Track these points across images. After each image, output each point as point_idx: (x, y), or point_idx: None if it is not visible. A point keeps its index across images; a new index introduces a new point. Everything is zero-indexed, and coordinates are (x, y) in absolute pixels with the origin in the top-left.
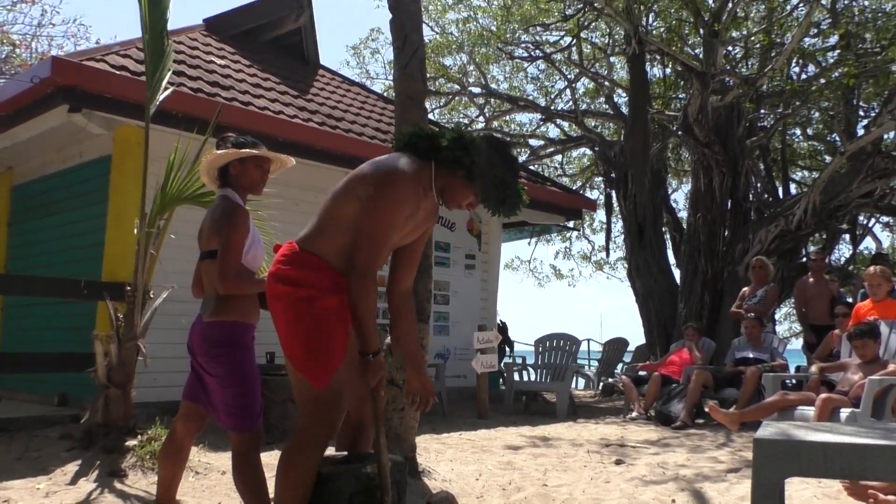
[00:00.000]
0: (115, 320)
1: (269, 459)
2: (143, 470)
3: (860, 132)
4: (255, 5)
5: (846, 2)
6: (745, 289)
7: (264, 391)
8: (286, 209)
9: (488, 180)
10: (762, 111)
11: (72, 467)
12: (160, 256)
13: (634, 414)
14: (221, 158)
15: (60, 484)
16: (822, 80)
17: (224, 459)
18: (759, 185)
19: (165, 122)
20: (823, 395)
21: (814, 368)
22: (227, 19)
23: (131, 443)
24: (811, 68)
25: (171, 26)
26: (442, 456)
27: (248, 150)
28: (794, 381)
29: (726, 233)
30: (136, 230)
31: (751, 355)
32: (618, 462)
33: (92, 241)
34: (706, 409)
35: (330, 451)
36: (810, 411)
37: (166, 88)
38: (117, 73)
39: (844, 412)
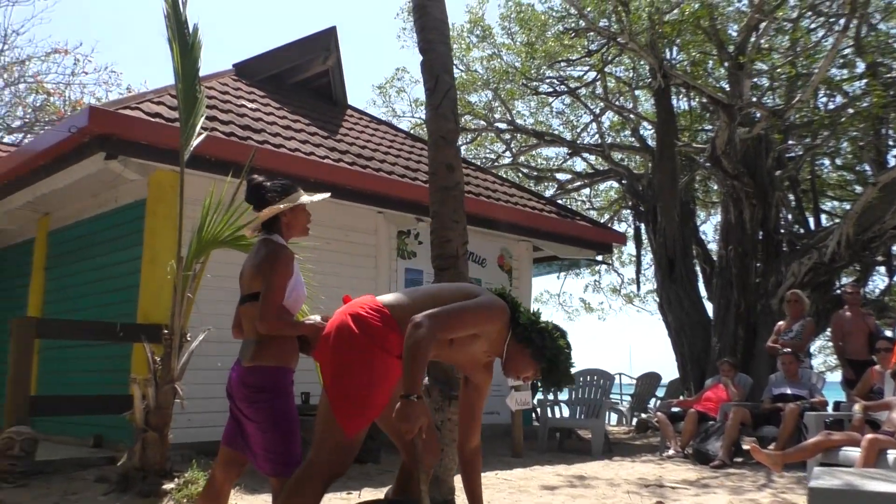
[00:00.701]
0: (152, 363)
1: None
2: None
3: (891, 161)
4: (284, 49)
5: (870, 32)
6: (780, 323)
7: (301, 432)
8: (320, 249)
9: (555, 366)
10: (790, 142)
11: None
12: (196, 299)
13: (671, 452)
14: (273, 211)
15: None
16: (851, 110)
17: (260, 502)
18: (789, 216)
19: (199, 166)
20: (870, 436)
21: (857, 407)
22: (257, 64)
23: (168, 486)
24: (839, 98)
25: (201, 72)
26: None
27: (301, 199)
28: (831, 419)
29: (758, 265)
30: (170, 273)
31: (789, 391)
32: None
33: (127, 283)
34: (744, 447)
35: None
36: (855, 453)
37: (199, 134)
38: (152, 120)
39: (892, 454)
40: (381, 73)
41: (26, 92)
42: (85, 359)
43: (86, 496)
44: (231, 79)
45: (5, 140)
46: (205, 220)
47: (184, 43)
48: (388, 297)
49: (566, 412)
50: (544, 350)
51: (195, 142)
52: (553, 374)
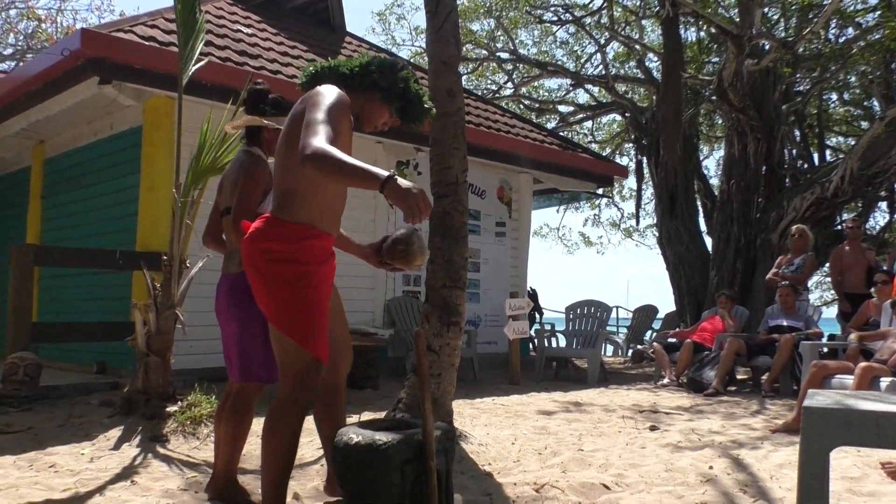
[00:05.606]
0: (152, 290)
1: (309, 424)
2: (185, 435)
3: None
4: None
5: None
6: (781, 256)
7: None
8: None
9: (408, 100)
10: (798, 75)
11: (114, 433)
12: (194, 226)
13: (666, 381)
14: (256, 122)
15: (104, 449)
16: (862, 43)
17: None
18: (794, 151)
19: (195, 92)
20: (863, 364)
21: (853, 337)
22: None
23: (171, 409)
24: (850, 30)
25: None
26: (477, 421)
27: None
28: (826, 350)
29: (760, 200)
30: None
31: (785, 323)
32: (652, 428)
33: (125, 212)
34: (738, 377)
35: (365, 416)
36: (848, 380)
37: (199, 59)
38: (146, 43)
39: (884, 381)
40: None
41: (17, 18)
42: (84, 287)
43: (91, 419)
44: (227, 3)
45: None
46: (202, 147)
47: None
48: (269, 206)
49: (563, 342)
50: (392, 87)
51: (194, 67)
52: (411, 109)
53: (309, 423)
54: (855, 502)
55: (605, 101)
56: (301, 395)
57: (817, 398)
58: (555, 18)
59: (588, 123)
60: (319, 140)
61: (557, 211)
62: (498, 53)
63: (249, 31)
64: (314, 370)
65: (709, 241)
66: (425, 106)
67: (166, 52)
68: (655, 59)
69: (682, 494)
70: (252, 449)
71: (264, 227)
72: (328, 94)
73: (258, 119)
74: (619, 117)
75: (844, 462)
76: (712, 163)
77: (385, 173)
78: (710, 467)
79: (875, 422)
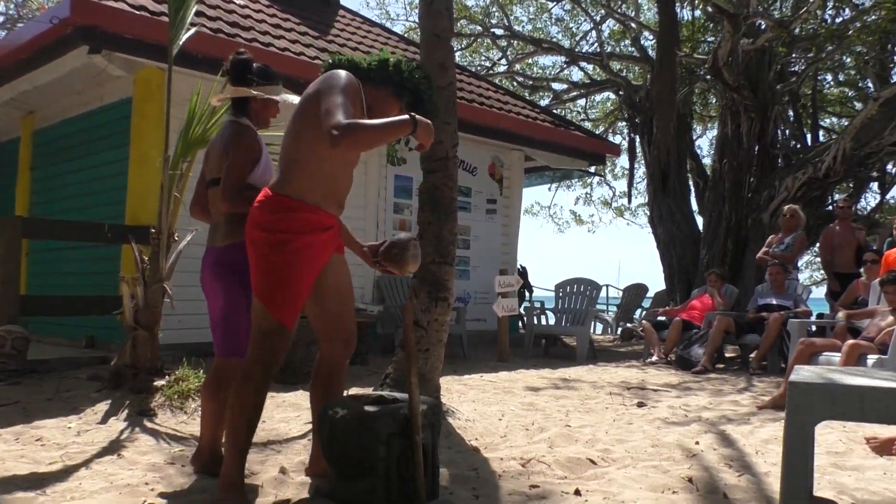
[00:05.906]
0: (140, 263)
1: (297, 399)
2: (172, 409)
3: (895, 77)
4: None
5: None
6: (772, 236)
7: None
8: None
9: (418, 97)
10: (793, 55)
11: (102, 407)
12: (183, 199)
13: (654, 358)
14: (244, 94)
15: (91, 423)
16: (858, 24)
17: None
18: (787, 131)
19: (185, 63)
20: (850, 342)
21: (841, 315)
22: None
23: (159, 383)
24: (847, 11)
25: None
26: (464, 397)
27: (277, 94)
28: (814, 328)
29: (752, 179)
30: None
31: (774, 302)
32: (640, 404)
33: (114, 184)
34: (727, 355)
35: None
36: (836, 357)
37: (189, 29)
38: (137, 13)
39: (871, 359)
40: None
41: None
42: (74, 260)
43: (78, 393)
44: None
45: None
46: (192, 119)
47: None
48: (257, 174)
49: (552, 320)
50: (404, 82)
51: (185, 36)
52: (420, 104)
53: (297, 398)
54: (839, 476)
55: (599, 79)
56: (260, 354)
57: (802, 373)
58: None
59: (581, 101)
60: (341, 117)
61: (549, 189)
62: (492, 29)
63: (242, 2)
64: (276, 334)
65: (700, 221)
66: (433, 103)
67: (157, 22)
68: (651, 37)
69: (668, 469)
70: None
71: (262, 200)
72: (339, 76)
73: (246, 90)
74: (612, 95)
75: (830, 437)
76: (705, 142)
77: (408, 117)
78: (697, 443)
79: (859, 396)
